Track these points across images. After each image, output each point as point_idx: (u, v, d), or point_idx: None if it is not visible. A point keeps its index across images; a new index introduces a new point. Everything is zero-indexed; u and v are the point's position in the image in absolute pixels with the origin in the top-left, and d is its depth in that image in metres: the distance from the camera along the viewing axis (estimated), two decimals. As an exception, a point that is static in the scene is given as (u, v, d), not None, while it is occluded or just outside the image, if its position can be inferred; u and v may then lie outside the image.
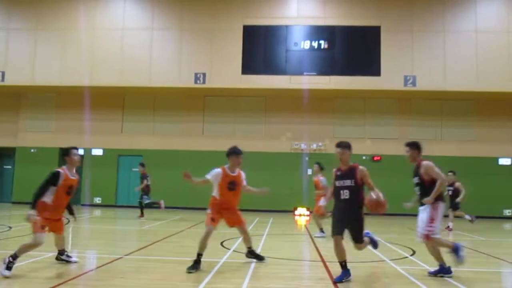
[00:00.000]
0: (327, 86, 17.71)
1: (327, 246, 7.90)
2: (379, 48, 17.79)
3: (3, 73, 18.44)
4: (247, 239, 6.56)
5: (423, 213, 5.74)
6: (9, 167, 20.25)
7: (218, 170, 6.24)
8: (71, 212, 6.15)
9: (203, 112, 19.42)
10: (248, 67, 18.07)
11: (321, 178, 10.17)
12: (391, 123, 18.81)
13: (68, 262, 5.99)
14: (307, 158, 18.54)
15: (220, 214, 6.24)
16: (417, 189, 5.84)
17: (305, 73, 17.84)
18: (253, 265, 6.25)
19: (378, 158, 18.46)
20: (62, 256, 6.00)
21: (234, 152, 6.33)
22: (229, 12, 18.42)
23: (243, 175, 6.49)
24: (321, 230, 10.08)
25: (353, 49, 18.17)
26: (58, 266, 5.90)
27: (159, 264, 6.37)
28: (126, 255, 6.89)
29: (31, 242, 5.39)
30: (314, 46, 18.05)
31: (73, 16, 18.66)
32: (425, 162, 5.75)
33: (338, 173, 5.62)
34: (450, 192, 12.32)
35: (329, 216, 5.90)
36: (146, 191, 13.87)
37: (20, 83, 18.45)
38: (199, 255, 5.86)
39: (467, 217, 12.59)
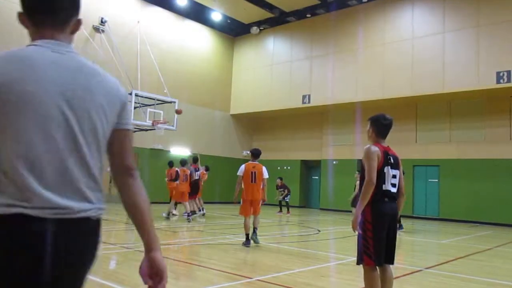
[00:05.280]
0: None
1: None
2: None
3: (309, 96, 21.30)
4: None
5: None
6: (316, 177, 23.03)
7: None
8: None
9: (510, 115, 16.98)
10: None
11: None
12: None
13: None
14: None
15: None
16: None
17: None
18: None
19: None
20: None
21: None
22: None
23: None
24: None
25: None
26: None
27: (461, 283, 5.91)
28: (426, 268, 6.74)
29: None
30: None
31: (364, 35, 19.74)
32: None
33: None
34: None
35: None
36: None
37: (322, 103, 20.82)
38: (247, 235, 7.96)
39: None
